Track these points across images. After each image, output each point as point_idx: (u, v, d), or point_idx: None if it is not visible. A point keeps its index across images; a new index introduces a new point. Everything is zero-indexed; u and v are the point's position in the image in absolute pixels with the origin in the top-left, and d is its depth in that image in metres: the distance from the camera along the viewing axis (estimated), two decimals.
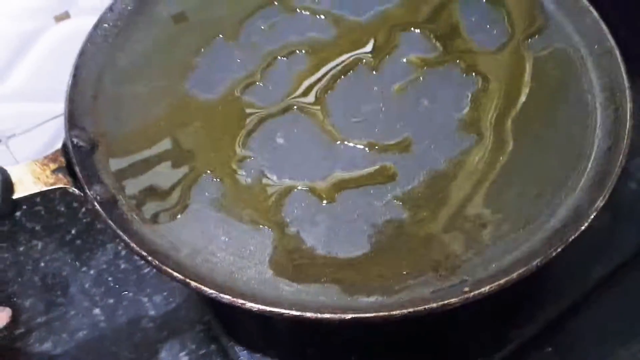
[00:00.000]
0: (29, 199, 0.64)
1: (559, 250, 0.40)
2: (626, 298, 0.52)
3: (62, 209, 0.65)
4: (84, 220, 0.64)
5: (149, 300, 0.59)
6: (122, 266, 0.61)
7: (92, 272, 0.61)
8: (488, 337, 0.47)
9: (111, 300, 0.59)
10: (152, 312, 0.58)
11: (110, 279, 0.60)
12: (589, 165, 0.46)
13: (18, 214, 0.64)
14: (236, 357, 0.46)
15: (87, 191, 0.43)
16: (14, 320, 0.57)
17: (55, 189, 0.43)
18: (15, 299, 0.59)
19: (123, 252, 0.62)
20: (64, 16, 0.62)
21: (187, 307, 0.58)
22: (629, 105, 0.46)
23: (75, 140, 0.45)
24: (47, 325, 0.57)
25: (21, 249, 0.62)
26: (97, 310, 0.58)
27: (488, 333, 0.47)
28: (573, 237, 0.40)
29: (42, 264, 0.61)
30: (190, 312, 0.58)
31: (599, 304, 0.51)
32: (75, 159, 0.44)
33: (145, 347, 0.56)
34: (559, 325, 0.50)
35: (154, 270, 0.59)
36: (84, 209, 0.65)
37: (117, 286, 0.60)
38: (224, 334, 0.47)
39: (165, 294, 0.59)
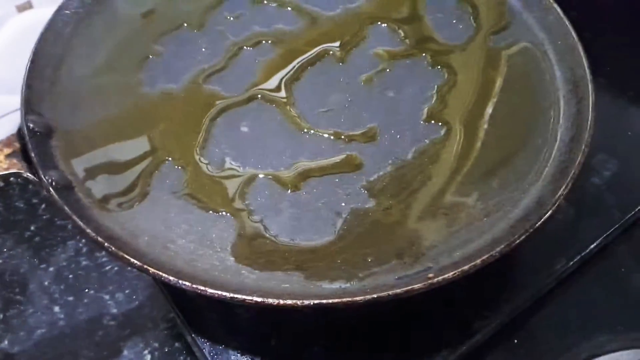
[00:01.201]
0: None
1: (522, 238, 0.40)
2: (589, 291, 0.52)
3: (21, 205, 0.63)
4: (44, 216, 0.63)
5: (111, 298, 0.57)
6: (83, 263, 0.60)
7: (51, 269, 0.59)
8: (453, 328, 0.47)
9: (71, 298, 0.57)
10: (114, 310, 0.57)
11: (70, 276, 0.59)
12: (552, 156, 0.46)
13: None
14: (199, 350, 0.45)
15: (42, 176, 0.41)
16: None
17: (9, 173, 0.42)
18: None
19: (84, 249, 0.60)
20: (26, 6, 0.61)
21: (150, 304, 0.57)
22: (591, 98, 0.47)
23: (31, 125, 0.44)
24: (4, 323, 0.55)
25: None
26: (56, 308, 0.57)
27: (453, 325, 0.47)
28: (536, 226, 0.40)
29: (0, 261, 0.59)
30: (153, 310, 0.57)
31: (563, 296, 0.52)
32: (30, 144, 0.43)
33: (107, 345, 0.54)
34: (524, 317, 0.50)
35: (115, 267, 0.59)
36: (43, 206, 0.63)
37: (78, 284, 0.58)
38: (186, 328, 0.46)
39: (127, 291, 0.58)
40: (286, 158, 0.46)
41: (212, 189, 0.44)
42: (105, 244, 0.39)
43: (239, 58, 0.52)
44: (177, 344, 0.54)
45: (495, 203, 0.44)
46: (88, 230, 0.39)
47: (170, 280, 0.37)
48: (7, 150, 0.43)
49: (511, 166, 0.46)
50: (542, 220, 0.41)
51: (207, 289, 0.37)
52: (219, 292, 0.37)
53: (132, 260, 0.38)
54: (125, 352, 0.54)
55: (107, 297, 0.57)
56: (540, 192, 0.44)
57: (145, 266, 0.38)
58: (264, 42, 0.53)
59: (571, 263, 0.51)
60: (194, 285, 0.37)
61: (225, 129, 0.48)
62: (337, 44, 0.54)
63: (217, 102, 0.49)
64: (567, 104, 0.49)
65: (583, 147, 0.44)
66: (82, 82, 0.50)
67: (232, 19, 0.55)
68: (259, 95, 0.50)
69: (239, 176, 0.45)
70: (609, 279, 0.52)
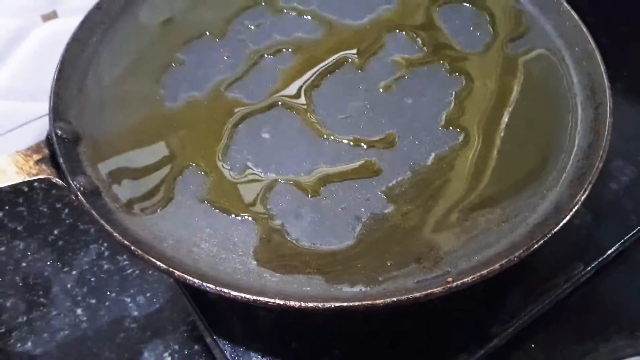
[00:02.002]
0: (12, 199, 0.64)
1: (541, 242, 0.40)
2: (607, 296, 0.52)
3: (45, 209, 0.65)
4: (67, 221, 0.64)
5: (132, 301, 0.58)
6: (105, 267, 0.61)
7: (74, 272, 0.60)
8: (471, 332, 0.47)
9: (93, 301, 0.58)
10: (135, 313, 0.57)
11: (92, 279, 0.60)
12: (570, 162, 0.46)
13: (0, 214, 0.64)
14: (220, 352, 0.46)
15: (71, 182, 0.42)
16: None
17: (38, 179, 0.43)
18: None
19: (106, 253, 0.61)
20: (51, 15, 0.63)
21: (171, 307, 0.58)
22: (609, 104, 0.47)
23: (59, 132, 0.45)
24: (28, 325, 0.56)
25: (2, 249, 0.62)
26: (79, 311, 0.58)
27: (471, 329, 0.47)
28: (554, 231, 0.41)
29: (24, 264, 0.61)
30: (173, 313, 0.57)
31: (581, 301, 0.52)
32: (59, 150, 0.44)
33: (127, 347, 0.55)
34: (542, 322, 0.50)
35: (137, 270, 0.60)
36: (67, 210, 0.65)
37: (100, 287, 0.59)
38: (207, 330, 0.47)
39: (148, 294, 0.59)
40: (306, 164, 0.47)
41: (234, 194, 0.45)
42: (132, 247, 0.39)
43: (260, 66, 0.53)
44: (196, 347, 0.55)
45: (514, 208, 0.44)
46: (115, 234, 0.40)
47: (194, 282, 0.38)
48: (36, 157, 0.44)
49: (529, 172, 0.46)
50: (560, 225, 0.41)
51: (230, 291, 0.38)
52: (242, 295, 0.38)
53: (157, 263, 0.39)
54: (146, 354, 0.55)
55: (128, 300, 0.58)
56: (558, 197, 0.44)
57: (171, 269, 0.39)
58: (284, 50, 0.54)
59: (589, 268, 0.51)
60: (218, 288, 0.38)
61: (247, 136, 0.49)
62: (356, 51, 0.54)
63: (239, 109, 0.50)
64: (584, 110, 0.49)
65: (601, 153, 0.44)
66: (107, 90, 0.51)
67: (253, 27, 0.56)
68: (280, 102, 0.51)
69: (260, 181, 0.46)
70: (626, 284, 0.52)
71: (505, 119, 0.50)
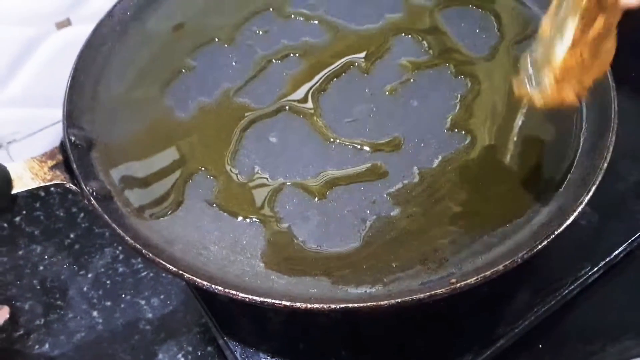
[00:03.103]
0: (29, 204, 0.66)
1: (544, 243, 0.41)
2: (615, 296, 0.52)
3: (61, 214, 0.66)
4: (83, 225, 0.65)
5: (147, 303, 0.59)
6: (120, 270, 0.62)
7: (90, 275, 0.61)
8: (477, 333, 0.48)
9: (109, 303, 0.59)
10: (149, 315, 0.59)
11: (108, 282, 0.61)
12: (575, 162, 0.47)
13: (17, 218, 0.65)
14: (231, 353, 0.47)
15: (84, 187, 0.44)
16: (13, 322, 0.57)
17: (52, 184, 0.44)
18: (14, 302, 0.59)
19: (121, 256, 0.63)
20: (65, 23, 0.64)
21: (184, 309, 0.59)
22: (614, 104, 0.47)
23: (72, 138, 0.46)
24: (45, 327, 0.58)
25: (20, 252, 0.63)
26: (95, 313, 0.59)
27: (477, 330, 0.48)
28: (558, 232, 0.41)
29: (41, 268, 0.62)
30: (187, 315, 0.58)
31: (588, 302, 0.52)
32: (72, 156, 0.45)
33: (142, 349, 0.56)
34: (549, 322, 0.50)
35: (151, 272, 0.61)
36: (82, 214, 0.66)
37: (115, 289, 0.60)
38: (218, 331, 0.48)
39: (162, 297, 0.60)
40: (313, 167, 0.48)
41: (242, 198, 0.46)
42: (143, 251, 0.41)
43: (268, 71, 0.54)
44: (209, 348, 0.56)
45: (518, 209, 0.45)
46: (127, 238, 0.41)
47: (203, 285, 0.39)
48: (51, 162, 0.45)
49: (534, 172, 0.47)
50: (564, 226, 0.41)
51: (238, 293, 0.39)
52: (250, 297, 0.39)
53: (168, 266, 0.40)
54: (160, 356, 0.56)
55: (142, 302, 0.59)
56: (563, 198, 0.45)
57: (181, 272, 0.40)
58: (291, 55, 0.55)
59: (596, 269, 0.51)
60: (227, 290, 0.39)
61: (255, 140, 0.50)
62: (362, 55, 0.55)
63: (247, 113, 0.51)
64: (590, 110, 0.49)
65: (605, 153, 0.45)
66: (119, 96, 0.52)
67: (261, 33, 0.57)
68: (287, 107, 0.52)
69: (267, 185, 0.47)
70: (634, 284, 0.52)
71: (510, 121, 0.50)
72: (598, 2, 0.40)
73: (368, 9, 0.58)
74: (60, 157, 0.46)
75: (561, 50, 0.41)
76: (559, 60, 0.41)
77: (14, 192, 0.43)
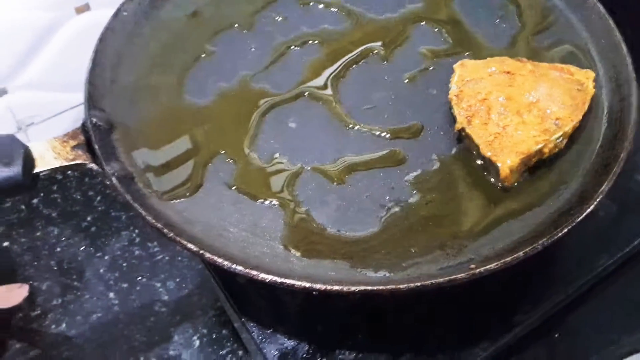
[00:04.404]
0: (46, 186, 0.66)
1: (565, 231, 0.41)
2: (631, 287, 0.52)
3: (78, 196, 0.67)
4: (99, 208, 0.66)
5: (162, 286, 0.60)
6: (136, 252, 0.62)
7: (106, 257, 0.62)
8: (493, 321, 0.48)
9: (125, 285, 0.60)
10: (165, 297, 0.59)
11: (124, 264, 0.61)
12: (595, 152, 0.47)
13: (35, 200, 0.66)
14: (248, 334, 0.47)
15: (105, 167, 0.44)
16: (30, 302, 0.58)
17: (74, 164, 0.45)
18: (32, 282, 0.60)
19: (137, 239, 0.63)
20: (84, 8, 0.64)
21: (200, 292, 0.59)
22: (634, 95, 0.47)
23: (94, 119, 0.46)
24: (62, 307, 0.58)
25: (38, 234, 0.64)
26: (111, 294, 0.59)
27: (494, 317, 0.48)
28: (578, 220, 0.41)
29: (58, 249, 0.63)
30: (202, 298, 0.59)
31: (605, 292, 0.52)
32: (94, 137, 0.45)
33: (158, 330, 0.57)
34: (566, 312, 0.50)
35: (167, 256, 0.61)
36: (99, 198, 0.66)
37: (131, 271, 0.61)
38: (236, 312, 0.48)
39: (178, 280, 0.60)
40: (332, 152, 0.48)
41: (262, 181, 0.46)
42: (165, 230, 0.41)
43: (287, 57, 0.54)
44: (224, 331, 0.56)
45: (539, 197, 0.45)
46: (149, 218, 0.41)
47: (224, 264, 0.40)
48: (72, 142, 0.46)
49: (555, 161, 0.47)
50: (584, 214, 0.41)
51: (259, 273, 0.39)
52: (270, 277, 0.39)
53: (189, 245, 0.40)
54: (176, 338, 0.56)
55: (158, 284, 0.60)
56: (582, 187, 0.45)
57: (202, 251, 0.40)
58: (310, 42, 0.55)
59: (614, 259, 0.51)
60: (247, 270, 0.39)
61: (274, 125, 0.50)
62: (381, 43, 0.55)
63: (266, 99, 0.51)
64: (610, 101, 0.49)
65: (626, 144, 0.45)
66: (139, 79, 0.52)
67: (280, 19, 0.57)
68: (306, 93, 0.52)
69: (286, 170, 0.47)
70: None
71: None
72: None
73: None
74: (82, 137, 0.46)
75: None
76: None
77: (36, 171, 0.44)
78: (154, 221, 0.41)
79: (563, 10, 0.56)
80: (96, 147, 0.45)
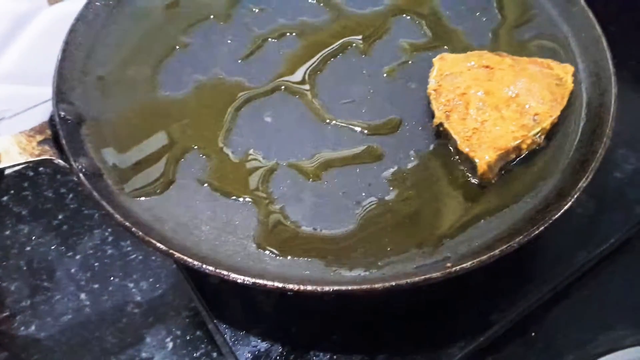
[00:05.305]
0: (17, 184, 0.64)
1: (541, 229, 0.40)
2: (609, 285, 0.52)
3: (50, 194, 0.65)
4: (71, 205, 0.64)
5: (135, 286, 0.59)
6: (109, 252, 0.61)
7: (78, 257, 0.60)
8: (470, 319, 0.47)
9: (97, 285, 0.58)
10: (137, 298, 0.58)
11: (96, 264, 0.60)
12: (573, 148, 0.46)
13: (5, 198, 0.64)
14: (220, 336, 0.46)
15: (73, 163, 0.43)
16: None
17: (41, 160, 0.43)
18: (0, 282, 0.58)
19: (110, 238, 0.62)
20: None
21: (173, 293, 0.58)
22: (613, 90, 0.47)
23: (62, 113, 0.45)
24: (32, 308, 0.57)
25: (7, 233, 0.62)
26: (82, 295, 0.58)
27: (470, 316, 0.47)
28: (555, 217, 0.41)
29: (28, 248, 0.61)
30: (176, 299, 0.58)
31: (583, 290, 0.52)
32: (61, 131, 0.44)
33: (130, 332, 0.55)
34: (542, 310, 0.50)
35: (140, 255, 0.60)
36: (71, 195, 0.65)
37: (103, 271, 0.59)
38: (208, 314, 0.47)
39: (151, 280, 0.59)
40: (308, 148, 0.47)
41: (235, 177, 0.45)
42: (133, 229, 0.40)
43: (264, 50, 0.53)
44: (198, 332, 0.55)
45: (515, 194, 0.44)
46: (116, 216, 0.40)
47: (194, 264, 0.38)
48: (39, 137, 0.44)
49: (533, 157, 0.46)
50: (562, 212, 0.41)
51: (230, 273, 0.38)
52: (242, 277, 0.38)
53: (158, 245, 0.39)
54: (148, 339, 0.55)
55: (131, 285, 0.58)
56: (560, 183, 0.44)
57: (171, 251, 0.39)
58: (288, 34, 0.54)
59: (592, 256, 0.51)
60: (217, 270, 0.38)
61: (249, 119, 0.49)
62: (360, 36, 0.54)
63: (242, 92, 0.50)
64: (589, 96, 0.49)
65: (604, 139, 0.44)
66: (111, 72, 0.51)
67: (257, 11, 0.56)
68: (283, 87, 0.51)
69: (261, 165, 0.46)
70: (629, 273, 0.52)
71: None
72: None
73: None
74: (49, 132, 0.45)
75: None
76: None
77: (0, 166, 0.42)
78: (122, 219, 0.40)
79: (544, 4, 0.56)
80: (63, 142, 0.44)
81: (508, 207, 0.43)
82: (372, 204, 0.44)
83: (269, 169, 0.46)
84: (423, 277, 0.38)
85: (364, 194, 0.45)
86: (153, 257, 0.60)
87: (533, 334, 0.50)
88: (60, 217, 0.63)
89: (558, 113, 0.46)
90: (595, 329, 0.50)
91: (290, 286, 0.38)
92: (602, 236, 0.52)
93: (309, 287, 0.38)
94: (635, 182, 0.55)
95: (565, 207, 0.41)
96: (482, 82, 0.46)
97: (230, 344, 0.45)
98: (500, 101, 0.45)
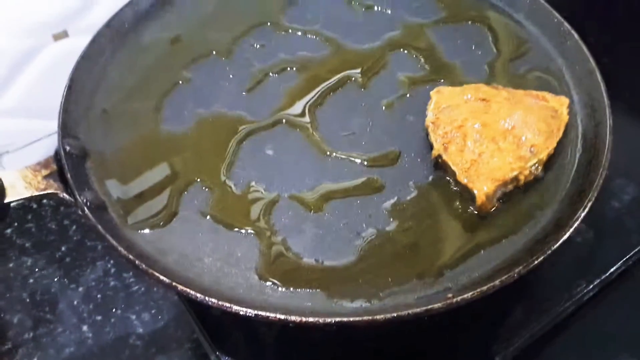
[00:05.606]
0: (21, 216, 0.65)
1: (541, 259, 0.40)
2: (610, 314, 0.52)
3: (53, 226, 0.65)
4: (74, 237, 0.64)
5: (137, 318, 0.58)
6: (112, 284, 0.61)
7: (80, 289, 0.60)
8: (472, 350, 0.47)
9: (99, 317, 0.58)
10: (140, 330, 0.58)
11: (99, 296, 0.60)
12: (570, 179, 0.47)
13: (8, 230, 0.64)
14: None
15: (78, 197, 0.43)
16: (0, 336, 0.56)
17: (46, 194, 0.44)
18: (2, 315, 0.58)
19: (112, 270, 0.62)
20: (62, 35, 0.64)
21: (176, 325, 0.58)
22: (609, 122, 0.48)
23: (67, 147, 0.46)
24: (34, 341, 0.57)
25: (10, 265, 0.62)
26: (85, 327, 0.58)
27: (472, 347, 0.47)
28: (554, 247, 0.41)
29: (31, 280, 0.61)
30: (178, 330, 0.57)
31: (584, 319, 0.51)
32: (67, 165, 0.45)
33: None
34: (544, 340, 0.50)
35: (142, 287, 0.60)
36: (74, 227, 0.65)
37: (106, 303, 0.59)
38: (210, 346, 0.47)
39: (153, 311, 0.59)
40: (309, 180, 0.48)
41: (237, 210, 0.46)
42: (136, 262, 0.40)
43: (265, 84, 0.54)
44: None
45: (515, 224, 0.45)
46: (120, 249, 0.41)
47: (197, 297, 0.39)
48: (45, 172, 0.45)
49: (530, 188, 0.47)
50: (560, 242, 0.41)
51: (232, 305, 0.38)
52: (244, 309, 0.38)
53: (160, 277, 0.40)
54: None
55: (133, 317, 0.58)
56: (558, 214, 0.45)
57: (174, 283, 0.39)
58: (288, 69, 0.55)
59: (591, 286, 0.51)
60: (220, 302, 0.39)
61: (251, 152, 0.50)
62: (359, 70, 0.55)
63: (244, 126, 0.51)
64: (584, 127, 0.50)
65: (601, 170, 0.45)
66: (115, 107, 0.52)
67: (258, 46, 0.57)
68: (284, 120, 0.52)
69: (263, 198, 0.47)
70: (629, 302, 0.52)
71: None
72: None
73: (365, 26, 0.59)
74: (54, 166, 0.45)
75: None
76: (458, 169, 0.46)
77: (6, 201, 0.43)
78: (125, 252, 0.40)
79: (538, 38, 0.57)
80: (68, 176, 0.44)
81: (507, 238, 0.44)
82: (373, 235, 0.45)
83: (271, 201, 0.46)
84: (424, 307, 0.38)
85: (364, 225, 0.45)
86: (155, 289, 0.60)
87: None
88: (63, 249, 0.63)
89: (554, 145, 0.47)
90: (598, 358, 0.50)
91: (293, 318, 0.38)
92: (602, 265, 0.52)
93: (311, 319, 0.38)
94: (633, 211, 0.55)
95: (564, 238, 0.41)
96: (479, 114, 0.47)
97: None
98: (497, 133, 0.46)
